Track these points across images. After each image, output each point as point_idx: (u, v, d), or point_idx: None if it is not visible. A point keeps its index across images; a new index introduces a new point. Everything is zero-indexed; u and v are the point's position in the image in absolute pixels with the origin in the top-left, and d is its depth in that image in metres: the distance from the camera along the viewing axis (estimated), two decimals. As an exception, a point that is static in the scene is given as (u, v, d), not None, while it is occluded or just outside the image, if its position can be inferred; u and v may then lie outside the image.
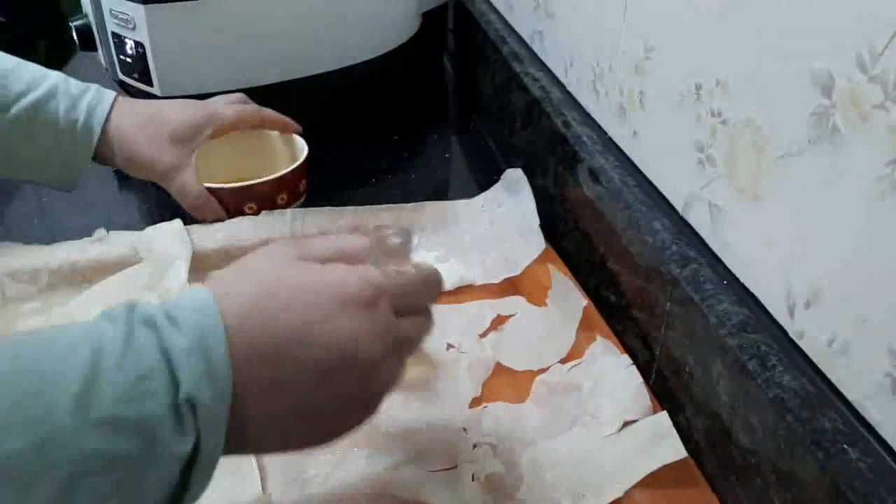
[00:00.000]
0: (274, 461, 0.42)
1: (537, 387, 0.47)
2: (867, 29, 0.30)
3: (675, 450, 0.40)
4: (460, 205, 0.65)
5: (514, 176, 0.63)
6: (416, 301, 0.36)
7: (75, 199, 0.68)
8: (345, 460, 0.42)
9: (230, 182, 0.65)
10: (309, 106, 0.71)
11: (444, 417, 0.45)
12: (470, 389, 0.48)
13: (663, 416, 0.42)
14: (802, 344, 0.36)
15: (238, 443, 0.30)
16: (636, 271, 0.48)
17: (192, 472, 0.28)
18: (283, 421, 0.31)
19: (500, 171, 0.75)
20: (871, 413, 0.32)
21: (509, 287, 0.56)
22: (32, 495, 0.24)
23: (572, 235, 0.59)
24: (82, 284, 0.56)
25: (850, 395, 0.33)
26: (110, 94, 0.59)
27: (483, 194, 0.66)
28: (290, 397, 0.30)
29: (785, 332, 0.37)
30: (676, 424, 0.44)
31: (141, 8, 0.67)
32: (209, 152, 0.69)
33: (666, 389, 0.45)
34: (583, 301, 0.51)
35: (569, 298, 0.51)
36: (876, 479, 0.30)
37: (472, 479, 0.41)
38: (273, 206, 0.64)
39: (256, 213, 0.63)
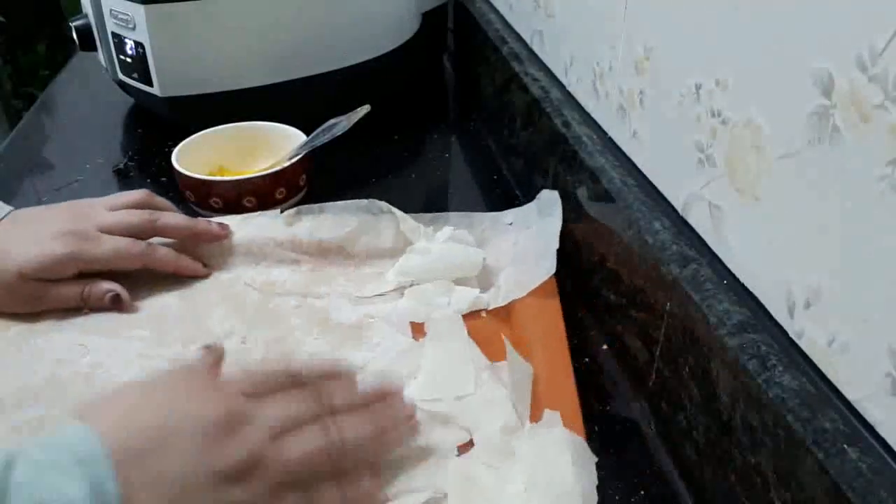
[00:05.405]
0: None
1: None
2: (867, 29, 0.30)
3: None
4: (487, 219, 0.63)
5: (551, 197, 0.61)
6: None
7: (75, 200, 0.68)
8: None
9: (231, 175, 0.65)
10: (309, 106, 0.71)
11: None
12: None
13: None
14: (802, 344, 0.36)
15: None
16: (636, 271, 0.48)
17: None
18: None
19: (500, 171, 0.75)
20: (871, 413, 0.32)
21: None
22: None
23: (572, 235, 0.59)
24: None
25: (850, 395, 0.33)
26: None
27: (513, 210, 0.63)
28: None
29: (785, 332, 0.37)
30: (676, 424, 0.44)
31: (141, 8, 0.67)
32: (209, 145, 0.69)
33: (666, 389, 0.45)
34: (530, 369, 0.49)
35: (517, 370, 0.49)
36: (876, 479, 0.30)
37: None
38: (272, 200, 0.64)
39: (255, 207, 0.63)
